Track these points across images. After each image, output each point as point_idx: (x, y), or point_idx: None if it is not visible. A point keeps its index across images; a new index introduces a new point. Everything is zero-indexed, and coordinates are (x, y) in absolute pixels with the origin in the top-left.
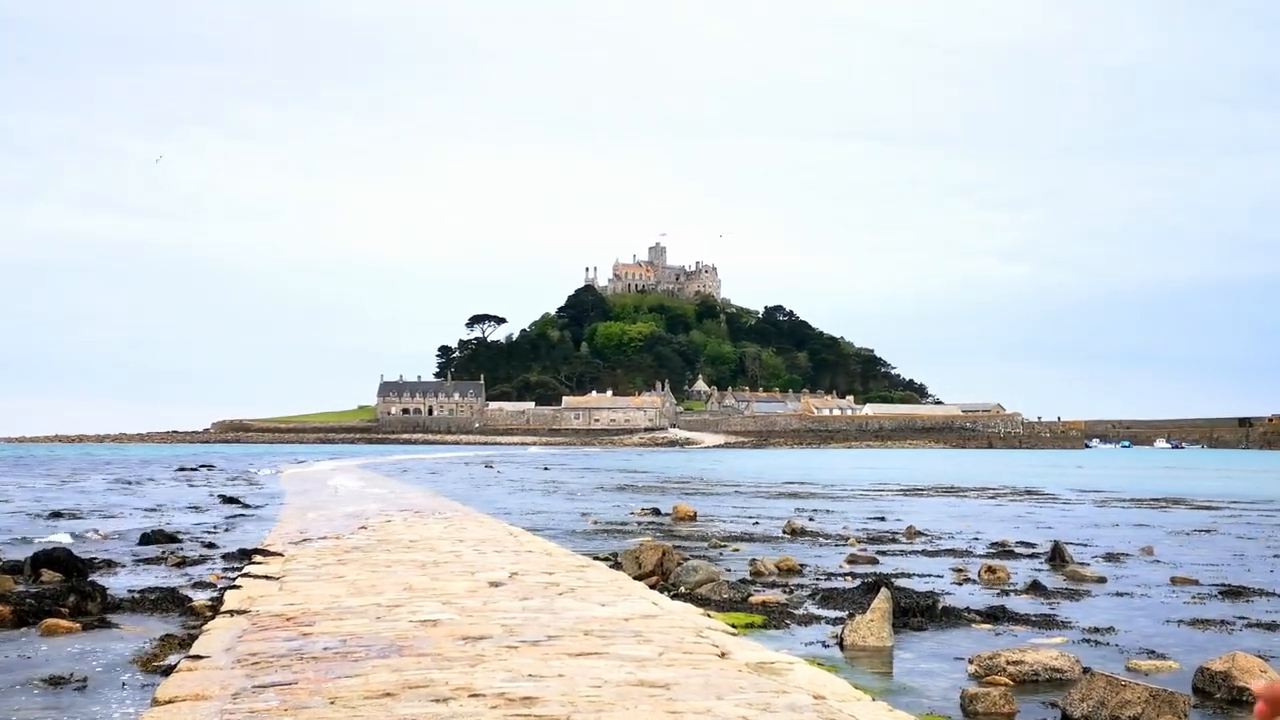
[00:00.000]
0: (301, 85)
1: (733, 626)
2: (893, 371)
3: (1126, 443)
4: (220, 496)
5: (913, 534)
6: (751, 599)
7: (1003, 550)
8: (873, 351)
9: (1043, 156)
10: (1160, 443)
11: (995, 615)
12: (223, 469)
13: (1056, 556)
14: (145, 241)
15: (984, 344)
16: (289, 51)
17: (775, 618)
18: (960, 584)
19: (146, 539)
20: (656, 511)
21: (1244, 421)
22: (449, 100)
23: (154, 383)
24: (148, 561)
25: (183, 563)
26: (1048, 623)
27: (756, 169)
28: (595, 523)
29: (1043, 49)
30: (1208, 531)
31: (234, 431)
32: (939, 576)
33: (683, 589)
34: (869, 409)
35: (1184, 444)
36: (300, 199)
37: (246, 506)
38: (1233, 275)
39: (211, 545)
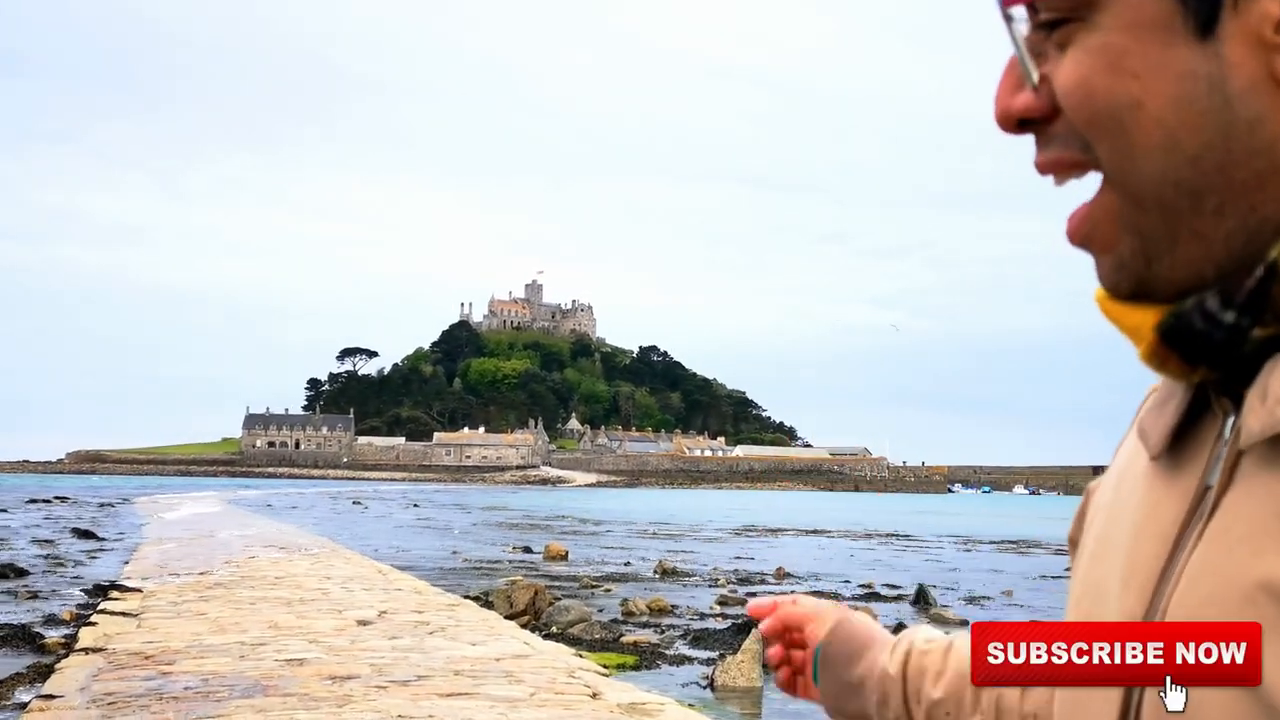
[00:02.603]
0: (168, 106)
1: (605, 667)
2: (763, 414)
3: (987, 488)
4: (75, 530)
5: (782, 575)
6: (624, 639)
7: (869, 593)
8: (744, 394)
9: (916, 207)
10: (1019, 489)
11: None
12: (78, 501)
13: (921, 599)
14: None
15: (853, 389)
16: (157, 71)
17: (647, 658)
18: None
19: None
20: (528, 550)
21: (1098, 469)
22: (323, 127)
23: (4, 410)
24: None
25: (34, 598)
26: None
27: (635, 209)
28: (466, 561)
29: (917, 101)
30: (1062, 577)
31: (90, 462)
32: None
33: (555, 629)
34: (740, 450)
35: (1041, 490)
36: (166, 223)
37: (103, 540)
38: (1087, 327)
39: (65, 580)
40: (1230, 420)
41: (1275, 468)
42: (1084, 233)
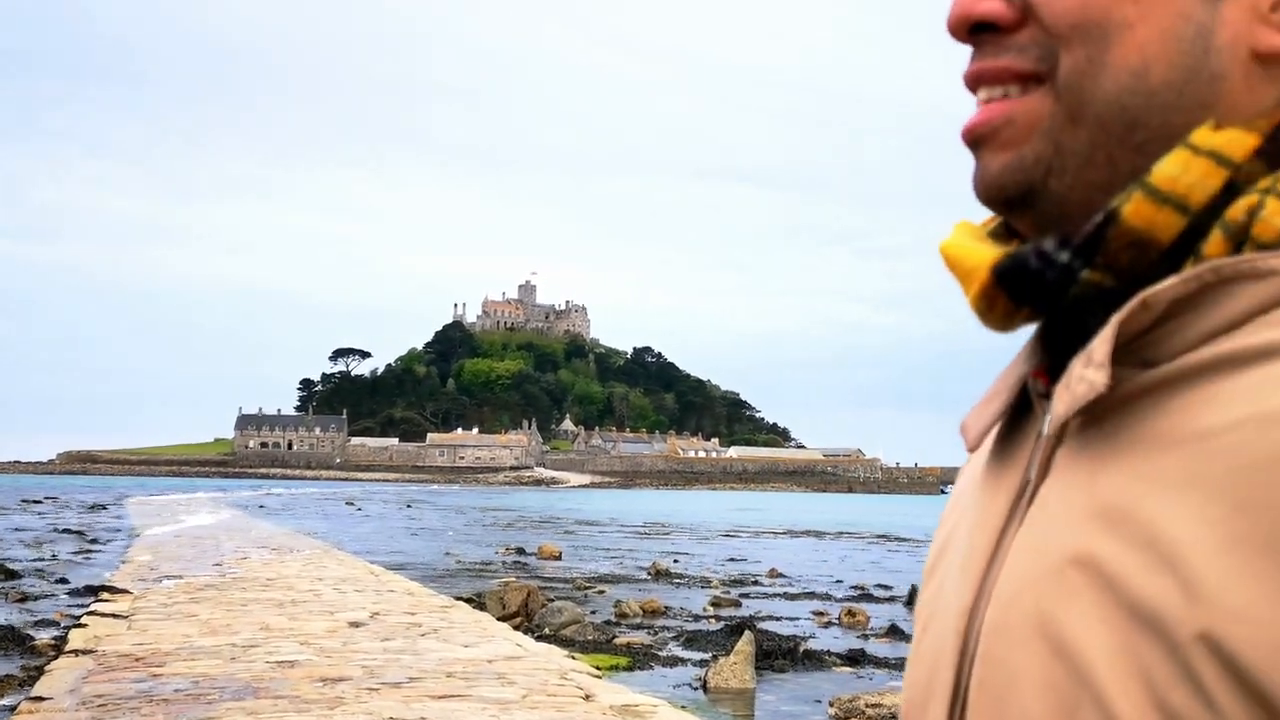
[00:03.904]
0: (173, 103)
1: (597, 668)
2: (757, 415)
3: None
4: (65, 530)
5: (774, 576)
6: (616, 640)
7: (862, 594)
8: (738, 395)
9: (916, 207)
10: None
11: (855, 658)
12: (68, 502)
13: (913, 600)
14: None
15: (849, 390)
16: (161, 68)
17: (640, 659)
18: (822, 627)
19: None
20: (521, 551)
21: None
22: (317, 125)
23: None
24: None
25: (24, 599)
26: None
27: (630, 209)
28: (459, 562)
29: (923, 100)
30: None
31: (81, 463)
32: (802, 619)
33: (547, 630)
34: (733, 451)
35: None
36: (160, 221)
37: (93, 541)
38: None
39: (55, 581)
40: (1048, 418)
41: (1081, 455)
42: (994, 125)
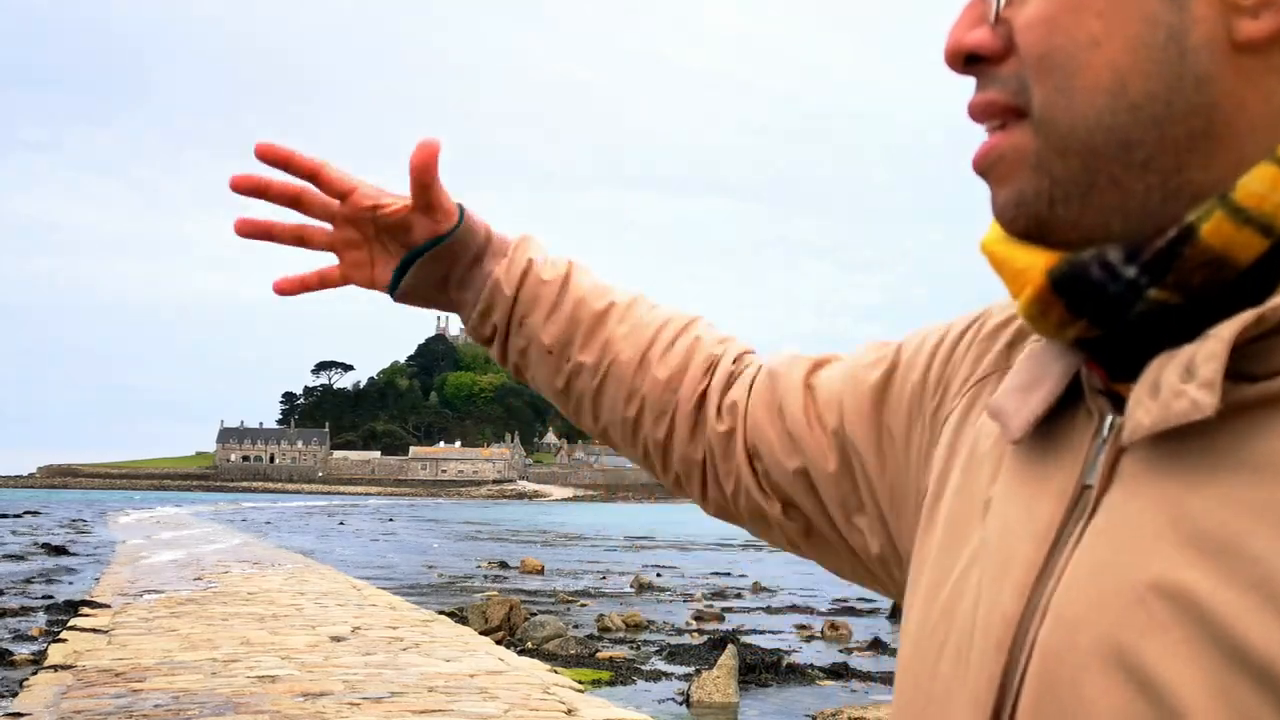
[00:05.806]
0: (152, 113)
1: (580, 683)
2: None
3: None
4: (45, 545)
5: (758, 590)
6: (599, 654)
7: (845, 607)
8: None
9: (902, 219)
10: None
11: (839, 672)
12: (49, 516)
13: (896, 614)
14: None
15: None
16: (138, 80)
17: (623, 674)
18: (805, 641)
19: None
20: (504, 565)
21: None
22: (302, 134)
23: None
24: None
25: (3, 614)
26: (890, 679)
27: (616, 221)
28: (441, 576)
29: (907, 113)
30: None
31: (62, 477)
32: (785, 633)
33: (530, 644)
34: None
35: None
36: (141, 234)
37: (74, 556)
38: None
39: (35, 596)
40: (1109, 420)
41: (1159, 468)
42: (989, 162)
